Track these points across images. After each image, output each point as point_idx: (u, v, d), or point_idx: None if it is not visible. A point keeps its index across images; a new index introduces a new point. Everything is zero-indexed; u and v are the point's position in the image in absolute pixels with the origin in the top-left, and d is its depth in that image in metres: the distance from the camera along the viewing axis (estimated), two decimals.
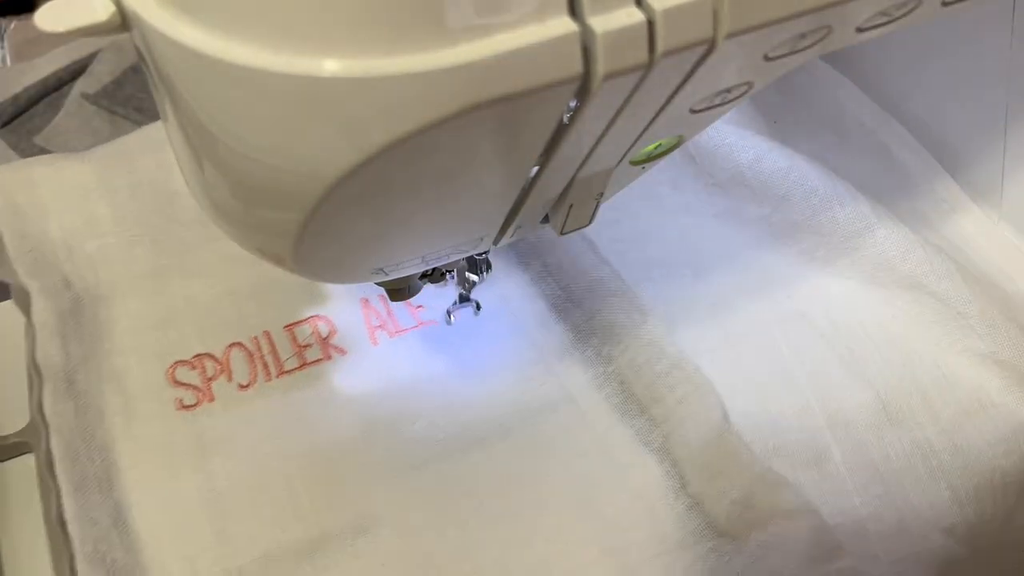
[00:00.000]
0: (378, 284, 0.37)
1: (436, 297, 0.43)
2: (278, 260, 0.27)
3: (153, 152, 0.47)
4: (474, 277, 0.41)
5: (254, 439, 0.38)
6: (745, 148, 0.47)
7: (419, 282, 0.39)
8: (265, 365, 0.41)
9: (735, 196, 0.48)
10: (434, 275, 0.39)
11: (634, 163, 0.28)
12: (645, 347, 0.40)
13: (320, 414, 0.39)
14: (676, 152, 0.48)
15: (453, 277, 0.41)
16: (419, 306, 0.43)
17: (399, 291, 0.38)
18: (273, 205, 0.23)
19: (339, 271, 0.30)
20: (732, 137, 0.48)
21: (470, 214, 0.27)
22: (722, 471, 0.36)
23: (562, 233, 0.31)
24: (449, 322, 0.43)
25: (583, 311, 0.42)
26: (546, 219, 0.31)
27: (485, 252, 0.38)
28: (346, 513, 0.36)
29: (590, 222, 0.32)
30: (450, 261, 0.34)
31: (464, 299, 0.42)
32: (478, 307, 0.43)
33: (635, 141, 0.25)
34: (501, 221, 0.29)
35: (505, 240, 0.32)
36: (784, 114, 0.53)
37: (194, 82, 0.20)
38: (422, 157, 0.20)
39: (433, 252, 0.30)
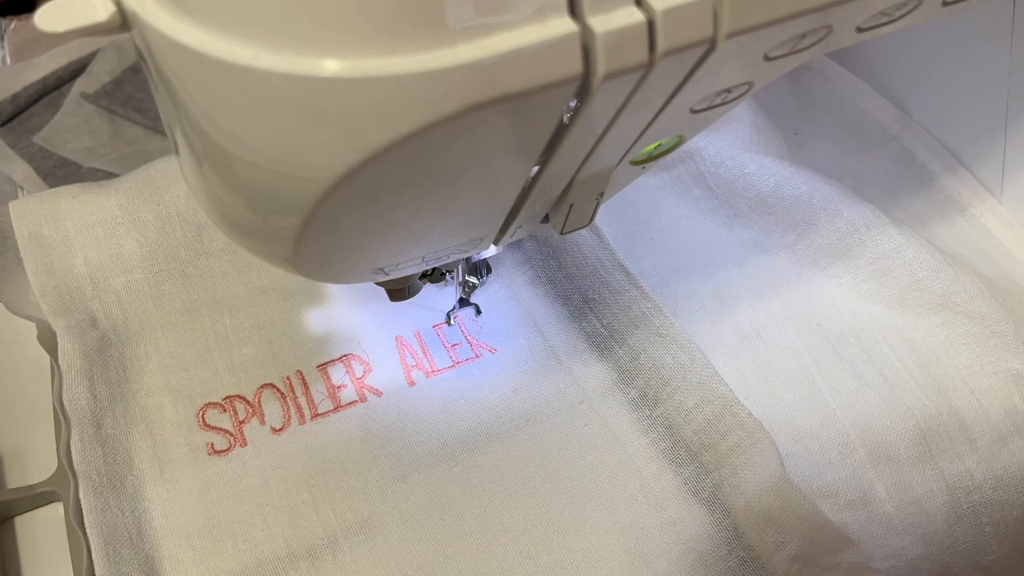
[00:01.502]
0: (378, 284, 0.37)
1: (472, 332, 0.43)
2: (280, 260, 0.27)
3: (181, 184, 0.45)
4: (473, 280, 0.41)
5: (290, 486, 0.37)
6: (765, 177, 0.46)
7: (419, 282, 0.39)
8: (299, 408, 0.40)
9: (758, 225, 0.47)
10: (434, 275, 0.39)
11: (634, 163, 0.28)
12: (694, 390, 0.39)
13: (357, 456, 0.38)
14: (695, 186, 0.49)
15: (453, 278, 0.41)
16: (455, 344, 0.42)
17: (399, 291, 0.38)
18: (273, 204, 0.23)
19: (340, 271, 0.30)
20: (752, 166, 0.47)
21: (470, 214, 0.27)
22: (778, 523, 0.35)
23: (562, 233, 0.31)
24: (450, 323, 0.43)
25: (627, 350, 0.41)
26: (546, 219, 0.31)
27: (486, 254, 0.38)
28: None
29: (590, 222, 0.32)
30: (450, 261, 0.34)
31: (465, 303, 0.42)
32: (478, 310, 0.43)
33: (635, 141, 0.25)
34: (501, 221, 0.29)
35: (506, 240, 0.32)
36: (804, 123, 0.53)
37: (194, 82, 0.20)
38: (422, 157, 0.20)
39: (433, 252, 0.30)
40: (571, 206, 0.29)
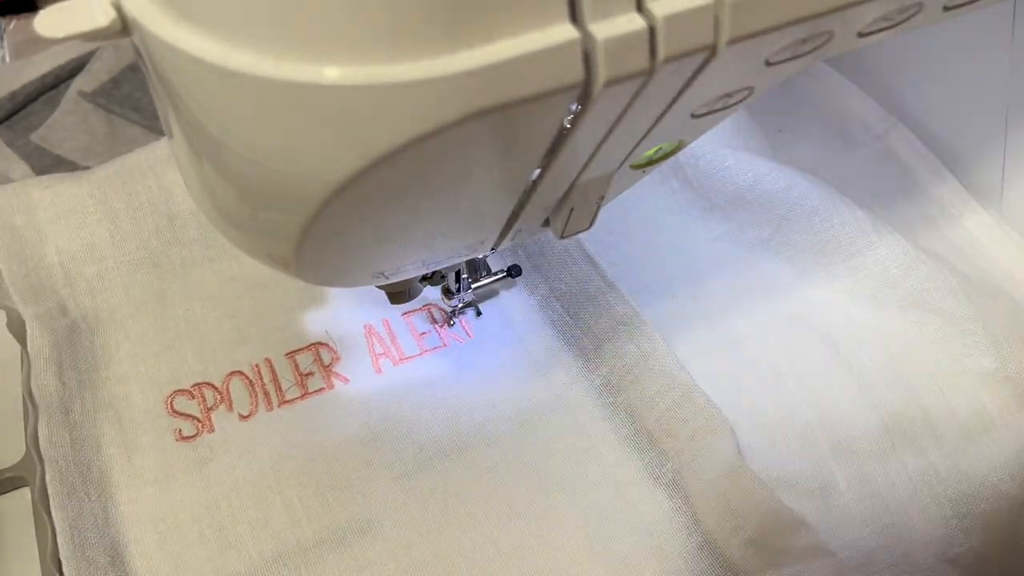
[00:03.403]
0: (379, 287, 0.37)
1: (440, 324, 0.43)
2: (281, 264, 0.27)
3: (152, 173, 0.46)
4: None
5: (255, 471, 0.37)
6: (744, 171, 0.47)
7: (419, 285, 0.39)
8: (266, 394, 0.40)
9: (734, 219, 0.47)
10: (434, 278, 0.39)
11: (635, 167, 0.28)
12: (656, 377, 0.39)
13: (322, 443, 0.38)
14: (674, 177, 0.49)
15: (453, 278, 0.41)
16: (423, 333, 0.42)
17: (399, 294, 0.38)
18: (275, 210, 0.23)
19: (341, 275, 0.30)
20: (731, 160, 0.47)
21: (471, 218, 0.27)
22: (735, 508, 0.35)
23: (563, 236, 0.31)
24: (451, 324, 0.43)
25: (591, 338, 0.41)
26: (547, 223, 0.31)
27: (485, 256, 0.38)
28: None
29: (590, 225, 0.32)
30: (450, 264, 0.34)
31: (465, 303, 0.42)
32: (478, 311, 0.43)
33: (636, 146, 0.25)
34: (502, 225, 0.29)
35: (505, 243, 0.32)
36: (789, 121, 0.53)
37: (195, 88, 0.20)
38: (423, 164, 0.20)
39: (433, 256, 0.30)
40: (571, 210, 0.29)
